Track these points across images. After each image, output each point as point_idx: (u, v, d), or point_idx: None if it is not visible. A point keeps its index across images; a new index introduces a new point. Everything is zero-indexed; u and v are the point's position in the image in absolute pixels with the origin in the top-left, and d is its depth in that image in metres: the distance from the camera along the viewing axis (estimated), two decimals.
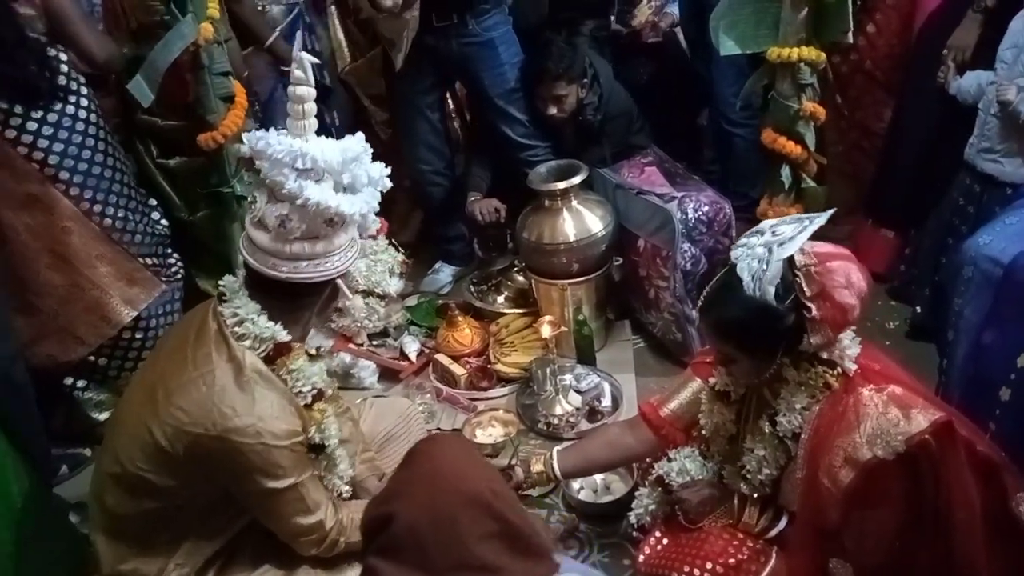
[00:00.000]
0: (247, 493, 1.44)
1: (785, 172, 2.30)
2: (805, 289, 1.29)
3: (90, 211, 2.14)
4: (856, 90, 2.62)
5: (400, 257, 2.58)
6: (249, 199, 1.49)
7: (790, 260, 1.30)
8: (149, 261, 2.30)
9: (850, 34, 2.20)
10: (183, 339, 1.48)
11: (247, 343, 1.43)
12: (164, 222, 2.42)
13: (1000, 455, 1.38)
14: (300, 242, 1.41)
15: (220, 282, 1.49)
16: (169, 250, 2.43)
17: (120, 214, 2.21)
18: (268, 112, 2.72)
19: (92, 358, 2.23)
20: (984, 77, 2.19)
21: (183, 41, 2.20)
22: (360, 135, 1.46)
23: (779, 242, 1.31)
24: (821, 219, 1.33)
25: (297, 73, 1.39)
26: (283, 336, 1.46)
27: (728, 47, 2.37)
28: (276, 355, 1.47)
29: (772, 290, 1.29)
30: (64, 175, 2.09)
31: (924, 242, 2.43)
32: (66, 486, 2.19)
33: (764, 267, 1.29)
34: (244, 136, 1.42)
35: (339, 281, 1.48)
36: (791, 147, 2.30)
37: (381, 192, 1.48)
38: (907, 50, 2.52)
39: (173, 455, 1.39)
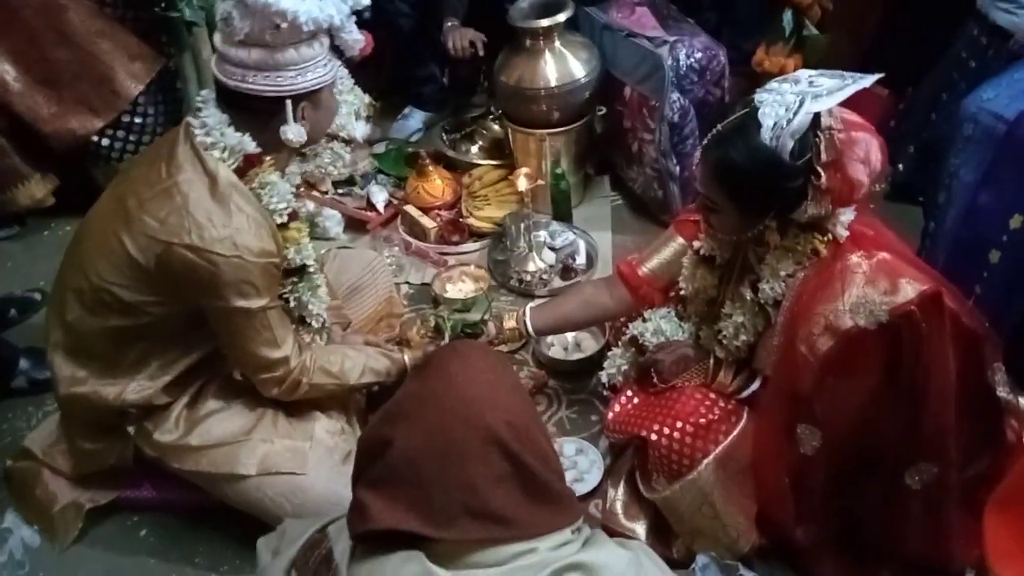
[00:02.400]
0: (215, 311, 1.39)
1: (787, 17, 2.14)
2: (822, 153, 1.19)
3: None
4: None
5: (367, 99, 2.40)
6: None
7: (815, 118, 1.18)
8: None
9: None
10: (156, 154, 1.40)
11: (216, 153, 1.35)
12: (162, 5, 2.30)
13: (983, 325, 1.34)
14: (245, 47, 1.29)
15: (198, 95, 1.40)
16: (164, 38, 2.37)
17: None
18: None
19: (96, 138, 2.32)
20: None
21: None
22: None
23: (814, 94, 1.18)
24: (866, 80, 1.20)
25: None
26: (251, 147, 1.37)
27: None
28: (246, 167, 1.38)
29: (791, 144, 1.18)
30: None
31: (918, 97, 2.31)
32: (15, 331, 2.10)
33: (791, 116, 1.17)
34: None
35: (288, 103, 1.35)
36: None
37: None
38: None
39: (144, 267, 1.34)
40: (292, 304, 1.54)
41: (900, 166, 2.32)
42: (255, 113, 1.36)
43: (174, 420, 1.51)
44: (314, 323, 1.60)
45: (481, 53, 2.51)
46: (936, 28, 2.24)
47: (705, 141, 1.30)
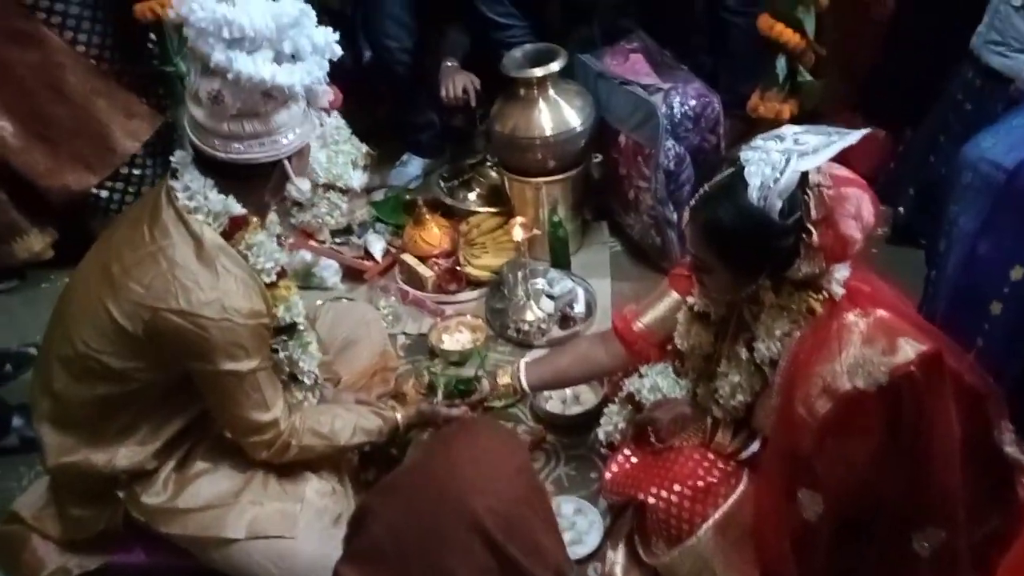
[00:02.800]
0: (204, 374, 1.37)
1: (781, 63, 2.13)
2: (812, 211, 1.17)
3: (79, 45, 2.22)
4: None
5: (364, 148, 2.41)
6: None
7: (803, 176, 1.17)
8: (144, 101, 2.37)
9: None
10: (137, 217, 1.38)
11: (200, 217, 1.34)
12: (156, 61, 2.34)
13: (986, 382, 1.30)
14: (238, 120, 1.28)
15: (171, 157, 1.38)
16: (161, 91, 2.40)
17: (108, 53, 2.27)
18: None
19: (95, 191, 2.36)
20: None
21: None
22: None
23: (801, 152, 1.17)
24: (852, 137, 1.18)
25: None
26: (237, 209, 1.36)
27: None
28: (233, 230, 1.37)
29: (779, 203, 1.16)
30: (45, 5, 2.16)
31: (916, 140, 2.29)
32: (11, 388, 2.09)
33: (777, 175, 1.15)
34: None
35: (286, 163, 1.35)
36: (789, 35, 2.12)
37: (331, 61, 1.34)
38: None
39: (131, 334, 1.32)
40: (283, 362, 1.52)
41: (901, 209, 2.30)
42: (245, 178, 1.35)
43: (162, 482, 1.48)
44: (306, 380, 1.58)
45: (474, 103, 2.52)
46: (933, 67, 2.23)
47: (692, 202, 1.28)
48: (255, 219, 1.41)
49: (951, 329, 1.40)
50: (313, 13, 1.31)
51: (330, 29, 1.33)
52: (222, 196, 1.34)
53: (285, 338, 1.50)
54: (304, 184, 1.40)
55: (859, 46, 2.52)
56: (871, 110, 2.49)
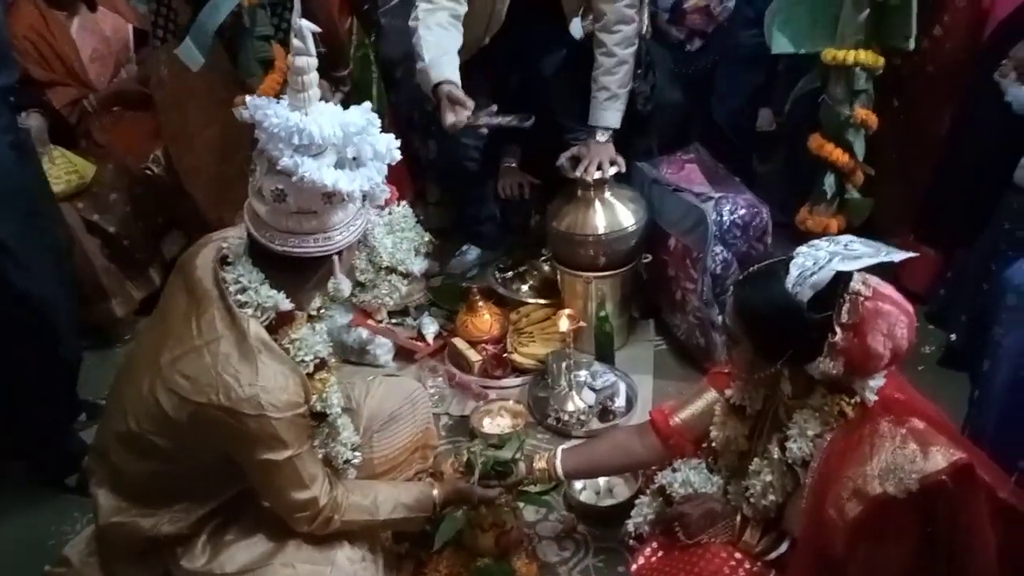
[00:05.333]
0: (246, 462, 1.44)
1: (829, 180, 2.20)
2: (844, 314, 1.23)
3: None
4: (916, 94, 2.45)
5: (427, 236, 2.55)
6: (251, 167, 1.46)
7: (845, 280, 1.23)
8: None
9: (912, 40, 2.09)
10: (187, 302, 1.45)
11: (249, 311, 1.41)
12: None
13: None
14: (297, 216, 1.36)
15: (224, 244, 1.46)
16: None
17: None
18: None
19: None
20: None
21: (231, 2, 2.20)
22: (367, 105, 1.41)
23: (845, 255, 1.25)
24: (899, 254, 1.26)
25: (296, 43, 1.33)
26: (286, 305, 1.44)
27: (781, 45, 2.27)
28: (279, 324, 1.45)
29: (810, 293, 1.23)
30: None
31: (967, 265, 2.30)
32: (83, 435, 2.21)
33: (816, 269, 1.23)
34: (247, 101, 1.37)
35: (335, 259, 1.43)
36: (838, 155, 2.21)
37: (390, 165, 1.43)
38: (973, 57, 2.37)
39: (177, 422, 1.39)
40: (316, 446, 1.57)
41: (953, 336, 2.28)
42: (298, 272, 1.43)
43: (200, 547, 1.54)
44: (338, 464, 1.62)
45: (527, 196, 2.63)
46: (985, 192, 2.26)
47: (739, 276, 1.36)
48: (300, 313, 1.48)
49: (997, 450, 1.39)
50: (378, 120, 1.40)
51: (392, 136, 1.41)
52: (272, 291, 1.41)
53: (316, 424, 1.55)
54: (345, 283, 1.46)
55: (915, 167, 2.57)
56: (925, 232, 2.51)
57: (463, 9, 2.29)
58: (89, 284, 2.59)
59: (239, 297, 1.41)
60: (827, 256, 1.25)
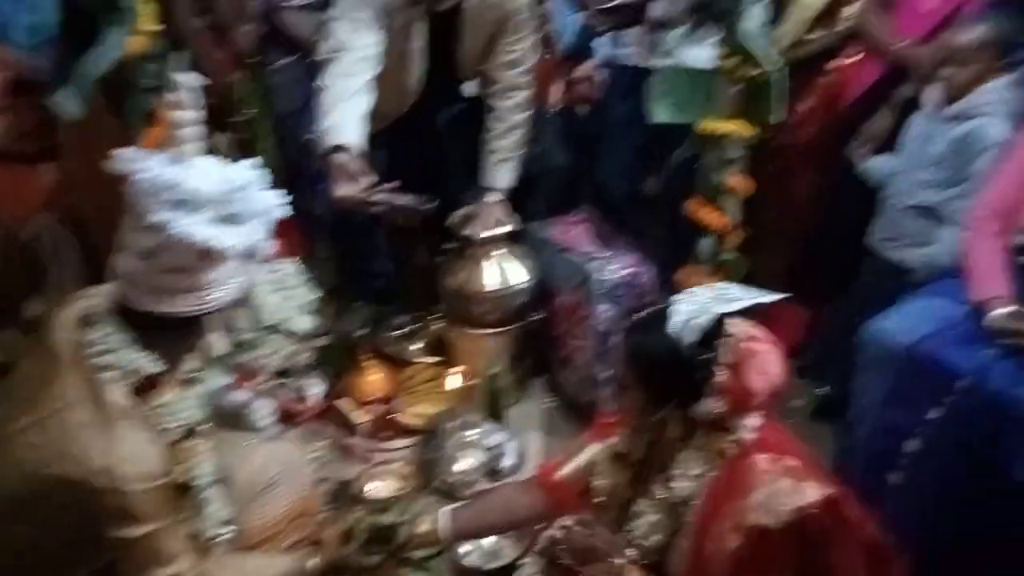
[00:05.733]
0: (99, 541, 1.30)
1: (707, 242, 2.31)
2: (722, 355, 1.30)
3: None
4: (785, 162, 2.65)
5: (315, 294, 2.48)
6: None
7: (722, 324, 1.31)
8: None
9: (778, 115, 2.24)
10: (41, 367, 1.33)
11: (110, 375, 1.30)
12: None
13: (889, 538, 1.35)
14: (171, 274, 1.28)
15: (88, 303, 1.35)
16: None
17: None
18: None
19: None
20: (889, 164, 2.26)
21: (116, 52, 2.13)
22: (253, 160, 1.36)
23: (723, 299, 1.34)
24: (772, 296, 1.37)
25: (175, 96, 1.29)
26: (151, 368, 1.33)
27: (661, 114, 2.40)
28: (146, 388, 1.34)
29: (694, 337, 1.30)
30: None
31: (836, 320, 2.45)
32: None
33: (698, 313, 1.31)
34: (116, 153, 1.30)
35: (209, 319, 1.35)
36: (714, 218, 2.32)
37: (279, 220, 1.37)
38: (833, 130, 2.57)
39: (18, 499, 1.27)
40: (181, 520, 1.44)
41: (825, 388, 2.41)
42: (168, 332, 1.33)
43: None
44: (206, 540, 1.51)
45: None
46: (849, 251, 2.43)
47: (627, 325, 1.40)
48: (168, 377, 1.38)
49: (862, 495, 1.45)
50: (264, 176, 1.35)
51: (278, 192, 1.35)
52: (136, 354, 1.31)
53: (178, 496, 1.41)
54: (220, 344, 1.40)
55: (787, 229, 2.74)
56: (796, 287, 2.65)
57: (372, 76, 2.22)
58: None
59: (99, 360, 1.29)
60: (706, 301, 1.32)
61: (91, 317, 1.34)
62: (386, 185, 2.16)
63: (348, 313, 2.88)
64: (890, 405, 1.72)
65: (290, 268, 2.45)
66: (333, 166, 2.10)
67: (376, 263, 2.88)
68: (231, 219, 1.31)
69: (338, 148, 2.10)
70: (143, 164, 1.27)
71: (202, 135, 1.35)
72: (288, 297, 2.41)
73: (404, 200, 2.19)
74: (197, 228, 1.26)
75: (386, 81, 2.25)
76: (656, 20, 2.69)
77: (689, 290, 1.40)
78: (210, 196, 1.27)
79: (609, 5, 2.79)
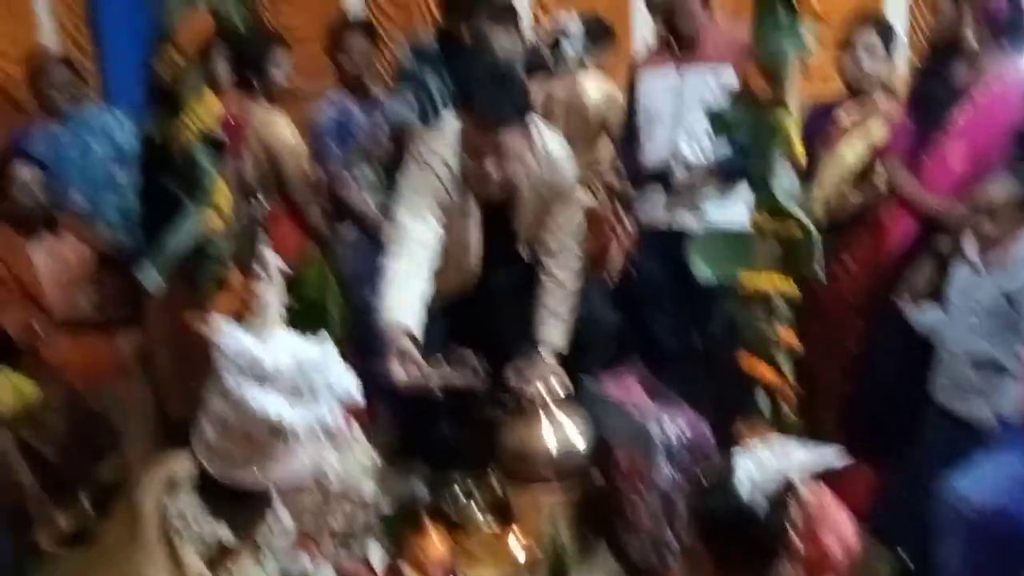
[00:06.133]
0: None
1: (762, 398, 2.32)
2: (796, 521, 1.30)
3: None
4: (833, 315, 2.70)
5: (376, 458, 2.54)
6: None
7: (790, 486, 1.30)
8: None
9: (820, 271, 2.31)
10: (126, 531, 1.40)
11: (189, 543, 1.36)
12: None
13: None
14: (244, 445, 1.36)
15: (172, 470, 1.44)
16: None
17: None
18: None
19: None
20: (938, 314, 2.28)
21: (196, 229, 2.33)
22: (325, 336, 1.45)
23: (790, 460, 1.35)
24: (838, 460, 1.38)
25: (258, 270, 1.42)
26: (228, 538, 1.40)
27: (703, 272, 2.48)
28: (221, 556, 1.40)
29: (765, 502, 1.30)
30: None
31: (903, 478, 2.40)
32: None
33: (764, 477, 1.31)
34: (203, 321, 1.42)
35: (277, 490, 1.43)
36: (768, 374, 2.34)
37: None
38: (878, 281, 2.62)
39: None
40: None
41: (899, 550, 2.32)
42: (242, 502, 1.42)
43: None
44: None
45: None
46: (906, 406, 2.41)
47: (690, 490, 1.40)
48: (243, 548, 1.44)
49: None
50: (336, 355, 1.43)
51: (351, 374, 1.44)
52: (214, 523, 1.38)
53: None
54: (287, 519, 1.46)
55: (838, 384, 2.74)
56: (856, 442, 2.62)
57: (431, 260, 2.34)
58: (15, 511, 2.47)
59: (179, 526, 1.36)
60: (773, 462, 1.32)
61: (174, 484, 1.41)
62: (442, 366, 2.27)
63: (409, 476, 2.91)
64: (969, 569, 1.66)
65: (353, 434, 2.53)
66: (390, 348, 2.21)
67: (435, 426, 2.94)
68: (304, 396, 1.39)
69: (395, 330, 2.22)
70: (226, 334, 1.37)
71: (282, 308, 1.47)
72: (352, 463, 2.48)
73: (461, 379, 2.29)
74: (270, 402, 1.33)
75: (446, 262, 2.40)
76: (685, 184, 2.84)
77: (752, 449, 1.40)
78: (286, 372, 1.36)
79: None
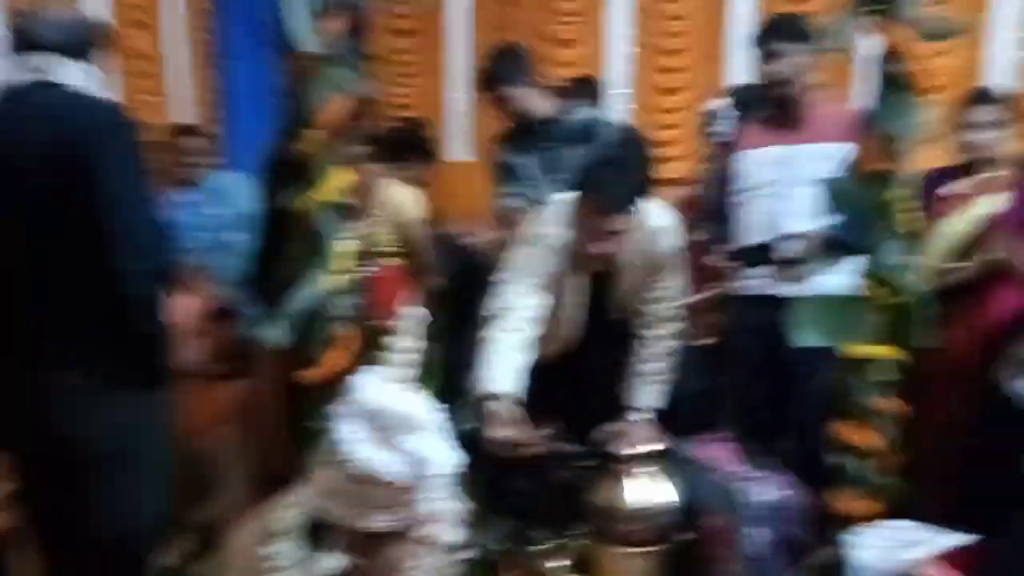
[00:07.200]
0: None
1: (853, 465, 2.26)
2: None
3: None
4: (937, 385, 2.62)
5: (464, 505, 2.57)
6: None
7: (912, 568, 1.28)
8: None
9: (927, 339, 2.27)
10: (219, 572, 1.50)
11: None
12: None
13: None
14: (361, 487, 1.42)
15: (269, 516, 1.52)
16: None
17: None
18: None
19: None
20: None
21: (317, 290, 2.49)
22: (437, 409, 1.51)
23: (908, 541, 1.30)
24: (954, 537, 1.32)
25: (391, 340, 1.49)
26: (335, 565, 1.46)
27: (807, 339, 2.46)
28: None
29: None
30: None
31: (1011, 556, 2.27)
32: None
33: (884, 559, 1.27)
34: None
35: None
36: (867, 439, 2.29)
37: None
38: (982, 353, 2.55)
39: None
40: None
41: None
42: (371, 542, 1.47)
43: None
44: None
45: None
46: (1014, 478, 2.30)
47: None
48: None
49: None
50: (444, 424, 1.48)
51: (452, 451, 1.49)
52: (320, 557, 1.46)
53: None
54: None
55: (942, 455, 2.64)
56: (956, 518, 2.51)
57: (535, 334, 2.41)
58: None
59: (272, 569, 1.43)
60: (890, 544, 1.29)
61: (274, 531, 1.48)
62: (542, 432, 2.32)
63: (491, 527, 2.93)
64: None
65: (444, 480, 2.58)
66: (487, 412, 2.28)
67: (517, 478, 2.97)
68: (406, 448, 1.43)
69: (492, 396, 2.28)
70: (358, 384, 1.45)
71: (416, 365, 1.54)
72: (443, 510, 2.52)
73: (558, 448, 2.33)
74: (362, 447, 1.39)
75: (547, 330, 2.48)
76: (786, 258, 2.85)
77: (865, 532, 1.36)
78: (383, 422, 1.41)
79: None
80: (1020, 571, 2.17)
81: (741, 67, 4.26)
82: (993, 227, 2.65)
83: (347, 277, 2.59)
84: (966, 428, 2.56)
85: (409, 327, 1.52)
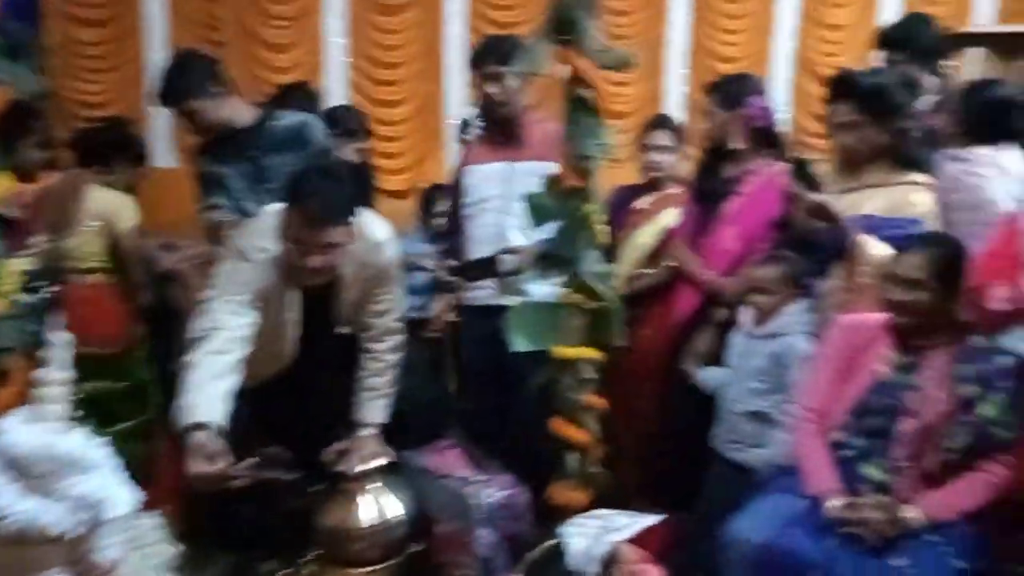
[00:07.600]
0: None
1: (572, 459, 2.45)
2: None
3: None
4: (630, 380, 2.94)
5: (177, 549, 2.33)
6: None
7: (615, 552, 1.38)
8: None
9: (621, 339, 2.54)
10: None
11: None
12: None
13: None
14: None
15: None
16: None
17: None
18: None
19: None
20: (720, 375, 2.58)
21: None
22: (102, 445, 1.37)
23: (612, 528, 1.40)
24: (651, 519, 1.45)
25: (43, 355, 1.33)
26: None
27: (519, 343, 2.63)
28: None
29: (596, 568, 1.36)
30: None
31: (695, 524, 2.62)
32: None
33: (593, 546, 1.36)
34: None
35: None
36: (578, 435, 2.49)
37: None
38: (668, 348, 2.91)
39: None
40: None
41: None
42: None
43: None
44: None
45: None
46: (694, 459, 2.66)
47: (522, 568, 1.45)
48: None
49: None
50: (109, 463, 1.36)
51: (128, 494, 1.37)
52: None
53: None
54: None
55: (638, 443, 2.97)
56: (653, 496, 2.84)
57: (243, 354, 2.26)
58: None
59: None
60: (597, 531, 1.41)
61: None
62: (247, 462, 2.16)
63: (209, 564, 2.69)
64: None
65: (150, 522, 2.32)
66: (189, 444, 2.08)
67: (240, 508, 2.76)
68: (73, 493, 1.30)
69: (197, 426, 2.09)
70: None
71: (67, 397, 1.36)
72: (146, 555, 2.27)
73: (267, 474, 2.22)
74: (18, 501, 1.25)
75: (260, 349, 2.31)
76: (507, 270, 3.03)
77: (575, 521, 1.48)
78: (41, 468, 1.27)
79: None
80: (701, 542, 2.52)
81: (459, 84, 4.41)
82: (669, 238, 3.05)
83: (18, 299, 2.22)
84: (658, 416, 2.90)
85: (55, 355, 1.33)
